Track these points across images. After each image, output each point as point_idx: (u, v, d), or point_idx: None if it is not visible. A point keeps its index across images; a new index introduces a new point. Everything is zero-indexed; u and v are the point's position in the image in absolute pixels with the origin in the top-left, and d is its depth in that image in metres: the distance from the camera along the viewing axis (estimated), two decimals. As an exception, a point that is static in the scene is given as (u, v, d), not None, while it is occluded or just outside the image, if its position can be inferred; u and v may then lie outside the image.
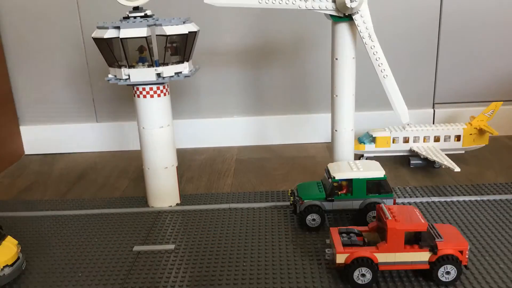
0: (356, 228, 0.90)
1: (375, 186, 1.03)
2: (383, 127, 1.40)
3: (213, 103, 1.66)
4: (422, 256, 0.84)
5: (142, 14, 1.08)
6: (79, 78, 1.64)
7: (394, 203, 1.05)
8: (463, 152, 1.40)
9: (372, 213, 1.03)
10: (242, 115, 1.67)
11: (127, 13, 1.09)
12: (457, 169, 1.21)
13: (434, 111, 1.65)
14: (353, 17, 1.03)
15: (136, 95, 1.12)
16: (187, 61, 1.12)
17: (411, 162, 1.39)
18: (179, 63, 1.11)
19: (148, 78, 1.07)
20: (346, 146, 1.17)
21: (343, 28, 1.07)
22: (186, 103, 1.65)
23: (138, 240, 1.04)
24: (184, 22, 1.08)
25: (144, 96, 1.11)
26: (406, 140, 1.37)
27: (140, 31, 1.02)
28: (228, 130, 1.67)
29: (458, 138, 1.37)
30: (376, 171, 1.03)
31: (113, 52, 1.07)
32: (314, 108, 1.65)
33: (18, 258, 0.92)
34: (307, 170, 1.41)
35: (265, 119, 1.66)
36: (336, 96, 1.13)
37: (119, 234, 1.07)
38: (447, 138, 1.36)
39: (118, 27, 1.04)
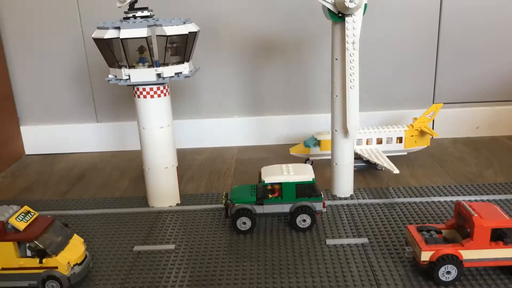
0: (434, 226, 0.90)
1: (305, 189, 1.04)
2: (327, 130, 1.39)
3: (213, 103, 1.66)
4: (507, 253, 0.83)
5: (142, 13, 1.08)
6: (79, 78, 1.64)
7: (324, 206, 1.05)
8: (406, 153, 1.40)
9: (303, 216, 1.03)
10: (242, 115, 1.67)
11: (125, 12, 1.09)
12: (396, 171, 1.22)
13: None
14: (346, 18, 1.03)
15: (136, 95, 1.12)
16: (187, 61, 1.12)
17: (354, 164, 1.37)
18: (179, 64, 1.11)
19: (148, 79, 1.07)
20: (346, 146, 1.17)
21: (342, 28, 1.07)
22: (186, 103, 1.65)
23: (139, 240, 1.04)
24: (184, 23, 1.08)
25: (144, 97, 1.11)
26: None
27: (140, 32, 1.03)
28: (228, 130, 1.67)
29: (400, 140, 1.37)
30: (306, 175, 1.04)
31: (113, 53, 1.08)
32: (314, 108, 1.65)
33: (86, 256, 0.91)
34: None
35: (265, 119, 1.66)
36: (336, 96, 1.13)
37: (119, 234, 1.07)
38: (389, 140, 1.37)
39: (118, 28, 1.04)
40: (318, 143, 1.38)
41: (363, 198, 1.19)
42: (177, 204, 1.21)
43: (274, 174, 1.05)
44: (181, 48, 1.11)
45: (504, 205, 1.12)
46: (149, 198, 1.21)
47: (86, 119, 1.68)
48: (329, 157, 1.36)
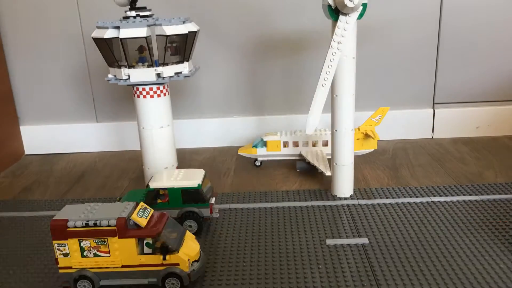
0: None
1: (191, 195, 1.03)
2: (276, 131, 1.43)
3: (213, 103, 1.66)
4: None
5: (141, 13, 1.08)
6: (79, 78, 1.64)
7: (211, 212, 1.05)
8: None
9: (189, 221, 1.04)
10: (242, 115, 1.67)
11: (127, 12, 1.09)
12: (327, 173, 1.23)
13: (434, 111, 1.65)
14: (340, 16, 1.02)
15: (136, 95, 1.12)
16: (187, 61, 1.12)
17: (297, 166, 1.40)
18: (179, 63, 1.11)
19: (148, 78, 1.07)
20: (346, 146, 1.17)
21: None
22: (186, 103, 1.65)
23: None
24: (184, 22, 1.08)
25: (144, 96, 1.11)
26: (296, 144, 1.38)
27: (140, 31, 1.03)
28: (228, 130, 1.67)
29: None
30: (192, 181, 1.03)
31: (112, 52, 1.08)
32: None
33: (200, 253, 0.89)
34: (307, 170, 1.41)
35: (265, 119, 1.66)
36: (336, 96, 1.13)
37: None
38: None
39: (118, 27, 1.04)
40: (264, 143, 1.39)
41: (363, 198, 1.19)
42: (177, 204, 1.21)
43: (161, 180, 1.05)
44: (181, 47, 1.11)
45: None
46: (149, 198, 1.21)
47: (86, 119, 1.68)
48: (276, 158, 1.42)
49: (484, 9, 1.55)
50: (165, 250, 0.82)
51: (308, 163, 1.34)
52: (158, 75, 1.07)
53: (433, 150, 1.54)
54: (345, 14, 1.02)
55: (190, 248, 0.85)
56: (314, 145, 1.38)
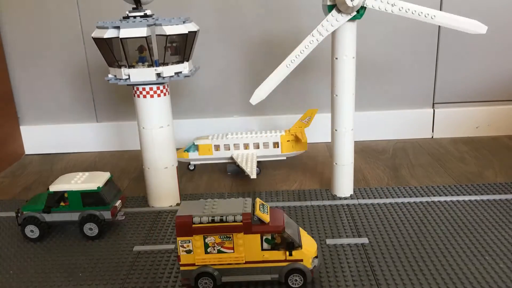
0: None
1: (91, 198, 1.03)
2: (207, 135, 1.40)
3: (212, 103, 1.66)
4: None
5: (142, 13, 1.08)
6: (79, 78, 1.64)
7: (112, 215, 1.05)
8: (285, 158, 1.40)
9: (89, 225, 1.04)
10: (242, 115, 1.67)
11: (127, 12, 1.08)
12: (252, 176, 1.23)
13: (434, 110, 1.65)
14: (333, 10, 1.02)
15: (136, 95, 1.12)
16: (187, 60, 1.12)
17: (228, 169, 1.40)
18: (179, 63, 1.10)
19: (148, 78, 1.07)
20: (346, 146, 1.17)
21: (343, 27, 1.07)
22: (186, 103, 1.65)
23: (139, 240, 1.04)
24: (184, 22, 1.08)
25: (144, 96, 1.10)
26: (227, 148, 1.37)
27: (140, 31, 1.02)
28: (228, 130, 1.67)
29: (276, 145, 1.37)
30: (92, 184, 1.04)
31: (112, 52, 1.07)
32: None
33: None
34: (307, 170, 1.41)
35: (265, 119, 1.66)
36: (336, 95, 1.13)
37: (118, 234, 1.07)
38: (266, 145, 1.37)
39: (118, 27, 1.04)
40: (196, 147, 1.38)
41: (363, 198, 1.19)
42: (177, 204, 1.21)
43: (62, 182, 1.05)
44: (181, 47, 1.10)
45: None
46: (149, 198, 1.21)
47: (86, 118, 1.68)
48: (208, 161, 1.39)
49: (483, 9, 1.55)
50: (291, 246, 0.81)
51: (238, 166, 1.33)
52: (158, 75, 1.07)
53: (433, 150, 1.54)
54: (339, 11, 1.02)
55: (310, 244, 0.84)
56: (246, 148, 1.37)
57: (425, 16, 1.03)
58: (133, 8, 1.09)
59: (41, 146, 1.70)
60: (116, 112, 1.67)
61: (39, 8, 1.57)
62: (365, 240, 0.99)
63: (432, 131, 1.67)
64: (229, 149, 1.37)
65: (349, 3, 0.99)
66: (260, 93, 1.07)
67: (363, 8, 1.03)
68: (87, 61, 1.61)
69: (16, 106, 1.67)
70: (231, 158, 1.37)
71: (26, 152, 1.70)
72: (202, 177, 1.40)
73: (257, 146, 1.37)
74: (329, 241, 0.99)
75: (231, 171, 1.40)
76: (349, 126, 1.15)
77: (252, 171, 1.25)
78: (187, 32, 1.07)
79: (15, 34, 1.60)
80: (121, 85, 1.10)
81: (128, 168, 1.51)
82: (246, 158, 1.34)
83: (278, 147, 1.37)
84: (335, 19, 1.03)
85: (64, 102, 1.67)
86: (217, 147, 1.37)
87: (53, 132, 1.69)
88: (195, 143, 1.38)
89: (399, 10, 1.03)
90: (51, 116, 1.68)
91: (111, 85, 1.58)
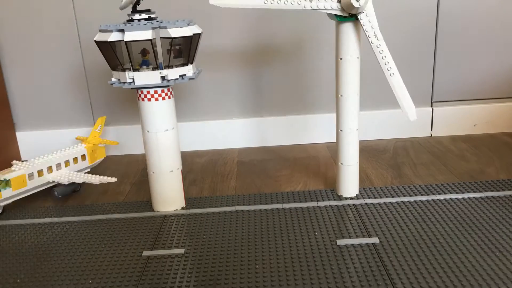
0: None
1: None
2: (10, 166, 1.25)
3: (213, 104, 1.65)
4: None
5: (147, 16, 1.07)
6: (76, 83, 1.62)
7: None
8: (89, 169, 1.43)
9: None
10: (242, 117, 1.66)
11: (130, 15, 1.07)
12: (107, 181, 1.26)
13: (432, 109, 1.67)
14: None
15: (140, 98, 1.10)
16: (191, 63, 1.11)
17: (56, 192, 1.28)
18: (183, 66, 1.10)
19: (153, 81, 1.06)
20: (351, 146, 1.17)
21: (347, 28, 1.07)
22: (185, 105, 1.64)
23: (147, 245, 1.03)
24: (188, 24, 1.07)
25: (149, 100, 1.09)
26: (41, 174, 1.28)
27: (145, 34, 1.01)
28: (228, 132, 1.66)
29: (84, 157, 1.39)
30: None
31: (116, 55, 1.06)
32: (314, 108, 1.65)
33: None
34: (310, 171, 1.41)
35: (265, 120, 1.66)
36: (341, 96, 1.13)
37: (126, 240, 1.06)
38: (75, 160, 1.37)
39: (122, 30, 1.02)
40: (8, 183, 1.19)
41: (369, 198, 1.19)
42: (182, 208, 1.20)
43: None
44: (185, 50, 1.10)
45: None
46: (154, 202, 1.20)
47: (83, 123, 1.66)
48: (26, 195, 1.24)
49: (481, 7, 1.57)
50: None
51: (70, 184, 1.29)
52: (163, 77, 1.06)
53: (433, 148, 1.55)
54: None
55: None
56: (66, 165, 1.34)
57: (387, 69, 1.08)
58: (135, 11, 1.08)
59: (38, 152, 1.66)
60: (114, 116, 1.64)
61: (34, 13, 1.54)
62: (375, 240, 0.99)
63: (431, 130, 1.68)
64: (43, 175, 1.28)
65: (355, 4, 0.99)
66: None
67: (354, 15, 1.03)
68: (84, 66, 1.59)
69: (12, 111, 1.65)
70: (51, 182, 1.30)
71: (23, 158, 1.68)
72: (205, 180, 1.39)
73: (68, 163, 1.35)
74: (340, 242, 0.99)
75: (61, 193, 1.29)
76: (354, 126, 1.15)
77: (106, 179, 1.25)
78: (191, 35, 1.06)
79: (10, 38, 1.57)
80: (118, 89, 1.08)
81: (128, 173, 1.49)
82: (70, 175, 1.30)
83: (85, 159, 1.40)
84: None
85: (61, 107, 1.64)
86: (30, 176, 1.24)
87: (50, 137, 1.66)
88: (6, 178, 1.19)
89: (377, 45, 1.05)
90: (47, 122, 1.66)
91: (109, 90, 1.56)
